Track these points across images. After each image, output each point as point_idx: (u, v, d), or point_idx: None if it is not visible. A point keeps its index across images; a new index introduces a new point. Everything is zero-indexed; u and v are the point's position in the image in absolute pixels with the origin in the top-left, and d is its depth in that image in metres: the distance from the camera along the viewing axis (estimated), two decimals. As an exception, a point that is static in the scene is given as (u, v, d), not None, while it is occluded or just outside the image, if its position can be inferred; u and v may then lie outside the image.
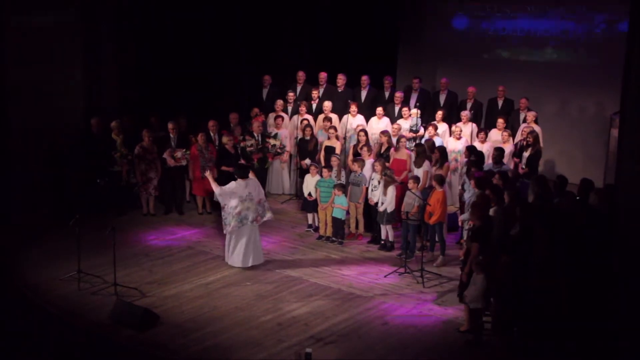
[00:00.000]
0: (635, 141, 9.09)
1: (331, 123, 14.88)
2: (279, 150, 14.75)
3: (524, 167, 13.57)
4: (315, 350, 9.53)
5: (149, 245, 13.02)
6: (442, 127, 14.89)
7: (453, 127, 14.59)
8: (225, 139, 14.14)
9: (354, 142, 14.39)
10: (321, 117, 15.40)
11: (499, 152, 13.19)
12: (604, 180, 14.64)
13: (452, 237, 12.97)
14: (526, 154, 13.66)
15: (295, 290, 11.37)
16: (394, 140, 14.08)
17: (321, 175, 13.31)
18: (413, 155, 13.44)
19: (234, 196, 11.88)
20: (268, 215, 12.15)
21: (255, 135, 14.63)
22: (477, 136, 14.29)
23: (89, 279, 11.38)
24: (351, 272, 12.04)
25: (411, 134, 14.68)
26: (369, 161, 13.39)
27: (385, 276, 11.86)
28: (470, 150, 13.38)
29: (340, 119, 15.17)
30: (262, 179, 14.55)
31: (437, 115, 15.06)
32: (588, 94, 16.27)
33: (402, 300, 11.05)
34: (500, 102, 15.77)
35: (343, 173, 13.81)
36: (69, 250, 11.66)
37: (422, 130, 14.72)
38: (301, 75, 16.37)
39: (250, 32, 17.32)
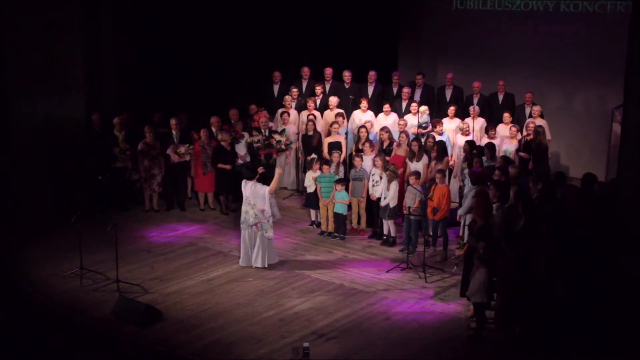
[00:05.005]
0: (637, 136, 9.08)
1: (343, 119, 14.85)
2: (283, 147, 14.73)
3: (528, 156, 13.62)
4: (318, 345, 9.54)
5: (151, 242, 13.03)
6: (454, 122, 14.84)
7: (461, 124, 14.54)
8: (220, 137, 14.16)
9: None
10: (327, 112, 15.38)
11: (490, 148, 13.21)
12: (606, 174, 14.64)
13: (452, 232, 12.95)
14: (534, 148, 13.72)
15: (298, 286, 11.38)
16: (396, 136, 14.06)
17: (321, 171, 13.31)
18: (412, 149, 13.37)
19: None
20: (269, 233, 11.82)
21: (262, 130, 14.62)
22: (488, 132, 14.26)
23: (91, 276, 11.38)
24: (353, 268, 12.04)
25: (420, 130, 14.67)
26: (369, 157, 13.37)
27: (387, 271, 11.86)
28: (471, 145, 13.38)
29: (347, 114, 15.16)
30: (270, 174, 14.53)
31: (449, 111, 15.01)
32: (590, 88, 16.24)
33: (404, 296, 11.05)
34: (500, 97, 15.73)
35: (342, 168, 13.78)
36: (71, 247, 11.68)
37: (430, 127, 14.71)
38: (306, 70, 16.35)
39: (251, 28, 17.30)
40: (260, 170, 12.07)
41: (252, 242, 11.89)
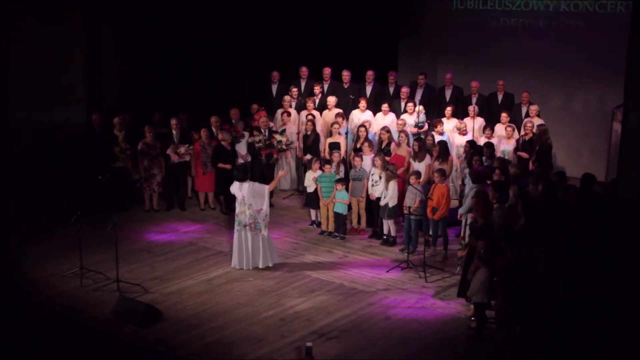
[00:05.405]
0: (637, 136, 9.08)
1: (343, 119, 14.85)
2: (284, 147, 14.72)
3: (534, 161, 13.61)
4: (318, 345, 9.53)
5: (151, 241, 13.03)
6: (452, 122, 14.86)
7: (458, 124, 14.56)
8: (221, 136, 14.17)
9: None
10: (326, 112, 15.39)
11: (488, 147, 13.22)
12: (606, 174, 14.64)
13: (453, 232, 12.96)
14: (537, 149, 13.72)
15: (298, 286, 11.38)
16: (396, 135, 14.07)
17: (322, 170, 13.31)
18: (415, 149, 13.39)
19: (236, 196, 11.87)
20: (263, 232, 11.73)
21: (263, 130, 14.61)
22: (484, 132, 14.28)
23: (91, 276, 11.38)
24: (353, 268, 12.04)
25: (416, 130, 14.68)
26: (369, 156, 13.37)
27: (387, 271, 11.86)
28: (472, 144, 13.39)
29: (346, 114, 15.16)
30: (270, 174, 14.54)
31: (446, 112, 15.03)
32: (590, 88, 16.23)
33: (405, 295, 11.05)
34: (500, 97, 15.74)
35: (342, 168, 13.78)
36: (71, 247, 11.69)
37: (426, 126, 14.71)
38: (304, 70, 16.36)
39: (251, 28, 17.31)
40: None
41: (247, 243, 11.84)
